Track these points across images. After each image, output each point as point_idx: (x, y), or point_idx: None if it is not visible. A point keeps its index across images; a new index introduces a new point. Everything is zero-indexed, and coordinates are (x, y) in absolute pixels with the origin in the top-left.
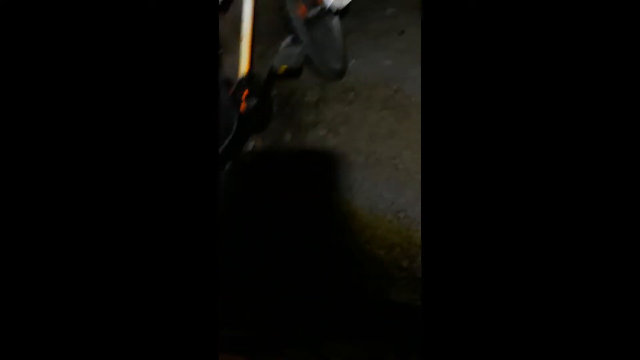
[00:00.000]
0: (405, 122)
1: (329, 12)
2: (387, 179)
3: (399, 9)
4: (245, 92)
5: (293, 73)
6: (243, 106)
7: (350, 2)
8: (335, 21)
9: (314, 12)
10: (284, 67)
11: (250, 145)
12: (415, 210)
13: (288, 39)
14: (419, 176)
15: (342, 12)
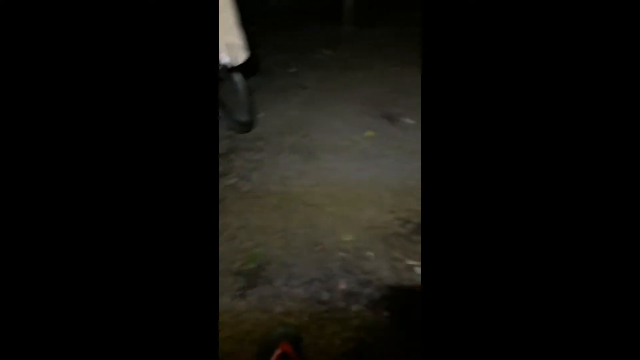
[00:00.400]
0: (313, 162)
1: (229, 70)
2: (300, 216)
3: (300, 68)
4: None
5: None
6: None
7: (260, 63)
8: (239, 78)
9: None
10: None
11: None
12: (330, 241)
13: None
14: (331, 209)
15: (251, 71)
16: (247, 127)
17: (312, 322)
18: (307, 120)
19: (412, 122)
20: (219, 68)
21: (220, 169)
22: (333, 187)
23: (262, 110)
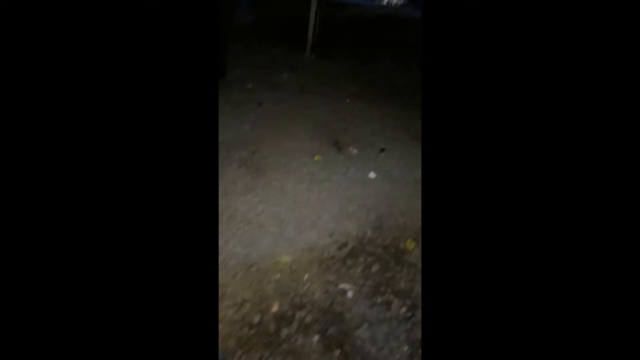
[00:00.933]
0: (260, 180)
1: None
2: (240, 234)
3: (257, 85)
4: None
5: None
6: None
7: (219, 77)
8: None
9: None
10: None
11: None
12: (266, 263)
13: None
14: (272, 228)
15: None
16: None
17: (239, 346)
18: (260, 136)
19: (356, 152)
20: None
21: None
22: (278, 206)
23: None
